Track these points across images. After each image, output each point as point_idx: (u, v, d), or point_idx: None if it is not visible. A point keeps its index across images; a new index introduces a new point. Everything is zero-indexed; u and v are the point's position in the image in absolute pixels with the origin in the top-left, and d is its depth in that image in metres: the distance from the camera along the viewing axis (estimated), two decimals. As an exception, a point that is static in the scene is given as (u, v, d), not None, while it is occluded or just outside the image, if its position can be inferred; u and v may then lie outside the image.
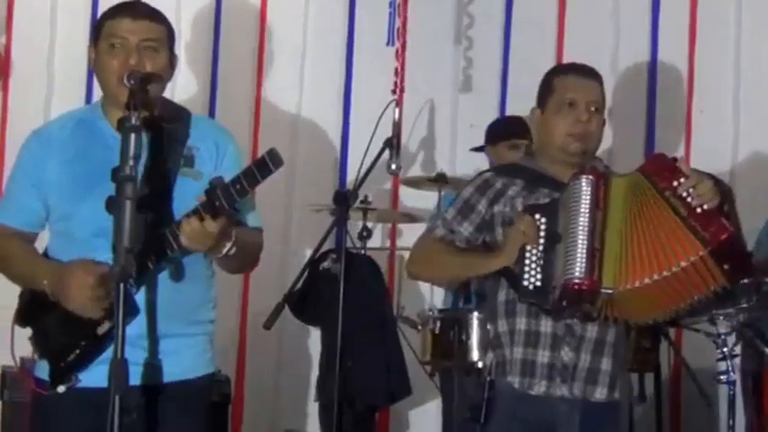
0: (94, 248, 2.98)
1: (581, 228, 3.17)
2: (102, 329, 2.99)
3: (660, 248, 3.13)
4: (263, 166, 2.82)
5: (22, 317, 3.15)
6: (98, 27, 3.15)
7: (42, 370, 3.11)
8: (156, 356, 3.07)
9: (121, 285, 2.72)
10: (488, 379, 3.37)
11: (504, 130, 5.34)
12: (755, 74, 5.64)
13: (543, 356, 3.34)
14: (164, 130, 3.09)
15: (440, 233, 3.48)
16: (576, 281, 3.14)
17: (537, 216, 3.27)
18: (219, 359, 3.92)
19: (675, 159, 3.25)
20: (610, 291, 3.16)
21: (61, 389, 3.07)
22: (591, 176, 3.23)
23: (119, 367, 2.69)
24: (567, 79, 3.44)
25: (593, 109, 3.38)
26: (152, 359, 3.06)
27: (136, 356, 2.97)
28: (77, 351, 3.04)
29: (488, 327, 3.44)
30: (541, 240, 3.24)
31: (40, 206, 3.14)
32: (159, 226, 2.97)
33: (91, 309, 2.96)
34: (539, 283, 3.23)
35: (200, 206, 2.87)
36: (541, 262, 3.23)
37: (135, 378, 2.95)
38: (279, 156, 2.82)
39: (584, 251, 3.14)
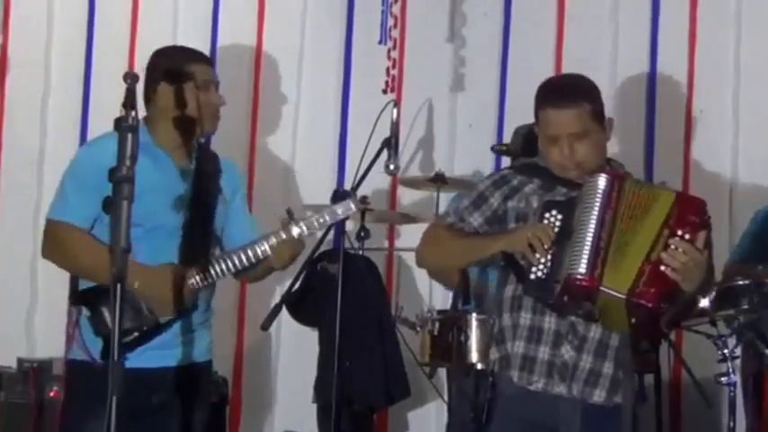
0: None
1: (591, 224, 3.20)
2: (164, 319, 3.49)
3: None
4: None
5: (79, 298, 3.53)
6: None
7: (93, 344, 3.48)
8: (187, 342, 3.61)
9: (118, 285, 2.71)
10: (491, 380, 3.38)
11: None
12: (755, 74, 5.62)
13: (544, 353, 3.35)
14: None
15: (450, 220, 3.53)
16: (578, 276, 3.16)
17: (554, 212, 3.30)
18: (217, 360, 3.91)
19: (706, 223, 3.27)
20: (623, 295, 3.16)
21: None
22: (608, 176, 3.27)
23: (118, 368, 2.69)
24: (546, 114, 3.42)
25: (576, 137, 3.36)
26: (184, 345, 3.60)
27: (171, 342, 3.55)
28: (136, 334, 3.45)
29: (492, 322, 3.46)
30: (555, 236, 3.25)
31: None
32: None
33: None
34: (544, 277, 3.24)
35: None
36: (550, 257, 3.24)
37: (169, 360, 3.55)
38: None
39: (590, 248, 3.16)
